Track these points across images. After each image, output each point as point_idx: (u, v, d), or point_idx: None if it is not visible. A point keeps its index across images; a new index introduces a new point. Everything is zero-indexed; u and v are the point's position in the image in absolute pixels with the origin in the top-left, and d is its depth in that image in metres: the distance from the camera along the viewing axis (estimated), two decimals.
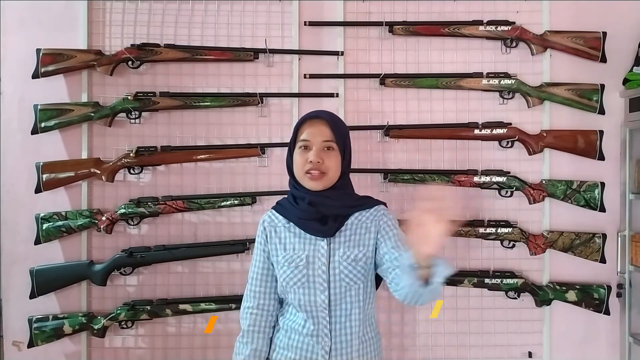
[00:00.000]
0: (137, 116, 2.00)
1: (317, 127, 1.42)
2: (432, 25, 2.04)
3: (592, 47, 2.02)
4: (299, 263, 1.39)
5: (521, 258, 2.05)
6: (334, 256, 1.40)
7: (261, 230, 1.47)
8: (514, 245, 2.04)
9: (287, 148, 1.45)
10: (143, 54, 1.99)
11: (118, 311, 1.97)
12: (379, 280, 1.51)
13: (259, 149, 2.01)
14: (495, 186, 2.01)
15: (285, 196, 1.51)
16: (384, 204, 1.50)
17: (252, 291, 1.46)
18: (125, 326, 2.00)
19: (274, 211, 1.49)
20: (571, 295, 2.01)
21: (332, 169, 1.40)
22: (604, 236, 2.00)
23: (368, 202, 1.48)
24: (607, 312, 2.00)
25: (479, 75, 2.03)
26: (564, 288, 2.01)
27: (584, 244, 2.00)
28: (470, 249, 2.07)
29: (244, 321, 1.45)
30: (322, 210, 1.40)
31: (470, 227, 2.00)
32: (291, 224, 1.44)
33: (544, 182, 2.03)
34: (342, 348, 1.39)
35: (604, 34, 2.02)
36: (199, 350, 2.06)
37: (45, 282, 1.96)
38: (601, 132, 2.01)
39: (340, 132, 1.44)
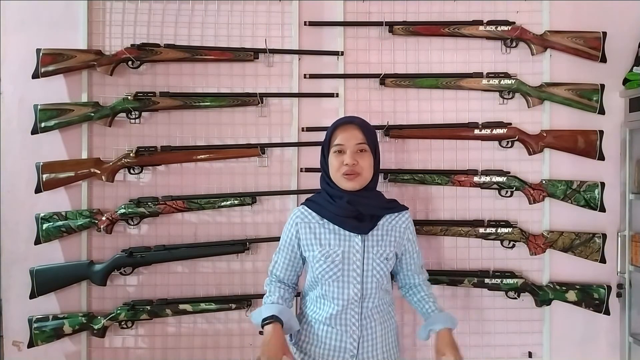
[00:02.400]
0: (137, 116, 2.00)
1: (350, 132, 1.53)
2: (432, 25, 2.04)
3: (592, 47, 2.02)
4: (335, 258, 1.49)
5: (521, 258, 2.05)
6: (368, 253, 1.51)
7: (292, 225, 1.57)
8: (514, 245, 2.04)
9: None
10: (143, 54, 1.99)
11: (118, 311, 1.97)
12: None
13: (259, 149, 2.01)
14: (495, 186, 2.01)
15: (314, 194, 1.63)
16: (407, 208, 1.63)
17: (275, 275, 1.60)
18: (125, 326, 2.00)
19: (306, 207, 1.58)
20: (571, 295, 2.01)
21: (366, 169, 1.52)
22: (604, 236, 2.00)
23: (397, 206, 1.62)
24: (607, 312, 2.00)
25: (479, 75, 2.03)
26: (564, 288, 2.01)
27: (584, 244, 2.00)
28: (470, 249, 2.07)
29: (268, 286, 1.60)
30: (360, 209, 1.51)
31: (470, 227, 2.00)
32: (325, 220, 1.54)
33: (544, 182, 2.03)
34: (368, 335, 1.51)
35: (604, 34, 2.02)
36: (199, 350, 2.06)
37: (45, 282, 1.96)
38: (601, 132, 2.01)
39: (371, 135, 1.57)
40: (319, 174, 1.62)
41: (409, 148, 2.07)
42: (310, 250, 1.53)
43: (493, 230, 2.00)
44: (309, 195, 1.66)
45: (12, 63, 2.04)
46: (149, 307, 1.98)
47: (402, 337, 2.07)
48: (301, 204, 1.62)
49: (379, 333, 1.53)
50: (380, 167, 2.01)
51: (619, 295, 2.05)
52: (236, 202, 2.00)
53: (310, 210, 1.57)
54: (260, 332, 1.47)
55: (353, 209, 1.50)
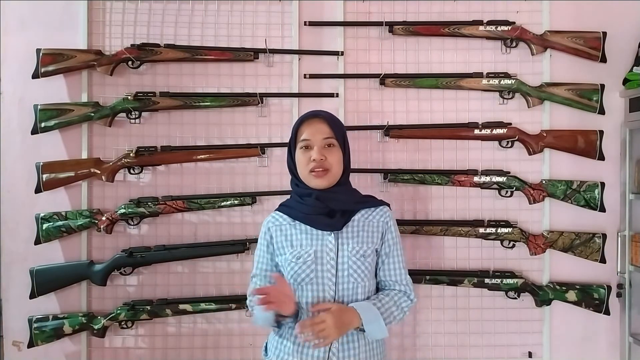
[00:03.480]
0: (137, 116, 2.00)
1: (316, 126, 1.44)
2: (432, 25, 2.03)
3: (592, 47, 2.02)
4: (307, 258, 1.40)
5: (521, 258, 2.05)
6: (342, 251, 1.41)
7: (264, 232, 1.49)
8: (514, 245, 2.04)
9: (287, 148, 1.47)
10: (143, 54, 1.99)
11: (118, 311, 1.97)
12: None
13: (259, 149, 2.01)
14: (495, 186, 2.01)
15: (288, 197, 1.54)
16: (388, 205, 1.54)
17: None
18: (125, 326, 2.00)
19: (278, 212, 1.51)
20: (571, 295, 2.00)
21: (335, 164, 1.43)
22: (604, 236, 2.00)
23: (373, 201, 1.52)
24: (607, 312, 2.00)
25: (479, 75, 2.03)
26: (564, 288, 2.01)
27: (584, 244, 2.00)
28: (470, 249, 2.07)
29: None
30: (330, 205, 1.42)
31: (470, 227, 2.00)
32: (297, 222, 1.45)
33: (544, 182, 2.03)
34: (348, 349, 1.38)
35: (604, 34, 2.02)
36: (199, 350, 2.06)
37: (45, 282, 1.96)
38: (601, 132, 2.01)
39: (339, 128, 1.47)
40: None
41: (409, 148, 2.07)
42: (282, 254, 1.44)
43: (493, 230, 2.00)
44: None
45: (12, 63, 2.04)
46: (149, 307, 1.98)
47: (403, 337, 2.07)
48: (275, 210, 1.53)
49: (362, 349, 1.39)
50: (381, 167, 2.04)
51: (619, 295, 2.05)
52: (236, 202, 2.00)
53: (281, 214, 1.49)
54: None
55: (323, 206, 1.42)
